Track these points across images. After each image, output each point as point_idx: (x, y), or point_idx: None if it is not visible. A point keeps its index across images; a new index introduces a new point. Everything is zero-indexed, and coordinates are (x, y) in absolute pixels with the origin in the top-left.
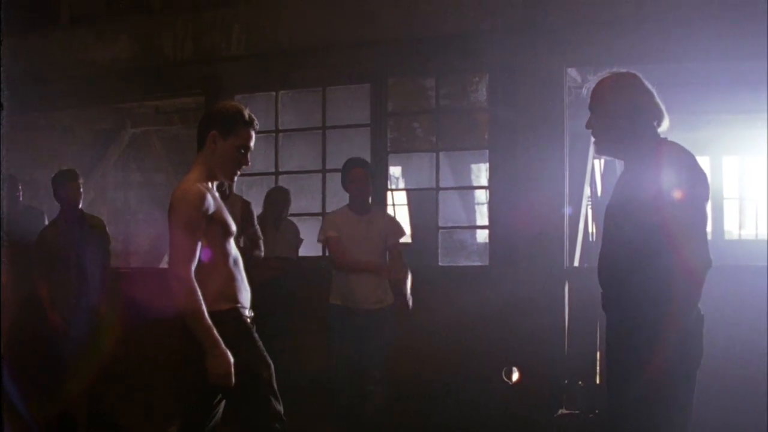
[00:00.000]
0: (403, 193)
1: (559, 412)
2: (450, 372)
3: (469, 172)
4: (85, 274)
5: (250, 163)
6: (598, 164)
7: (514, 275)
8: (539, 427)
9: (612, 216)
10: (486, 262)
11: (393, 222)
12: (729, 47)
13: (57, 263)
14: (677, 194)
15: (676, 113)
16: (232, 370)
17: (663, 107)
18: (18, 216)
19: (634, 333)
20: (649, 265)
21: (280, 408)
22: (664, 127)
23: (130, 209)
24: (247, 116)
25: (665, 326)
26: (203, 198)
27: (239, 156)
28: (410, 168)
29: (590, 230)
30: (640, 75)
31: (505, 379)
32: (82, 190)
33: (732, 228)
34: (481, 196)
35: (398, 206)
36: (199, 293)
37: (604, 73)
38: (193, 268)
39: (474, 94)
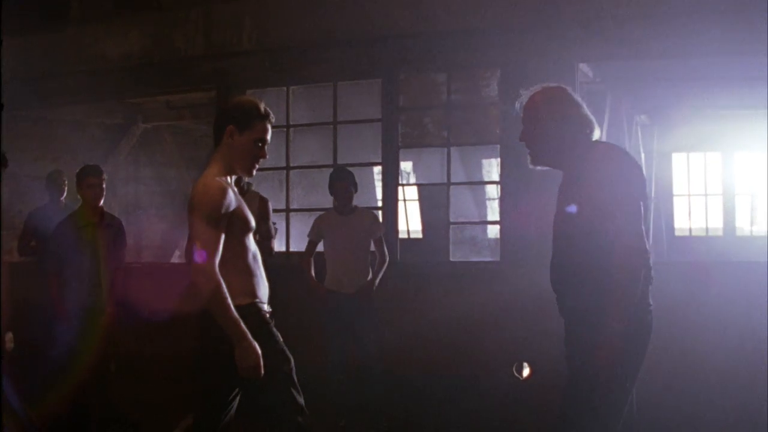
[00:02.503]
0: (414, 188)
1: None
2: (460, 367)
3: (480, 167)
4: (98, 270)
5: (267, 156)
6: None
7: (525, 271)
8: (550, 423)
9: (557, 224)
10: (497, 258)
11: (375, 220)
12: (741, 42)
13: (73, 256)
14: (602, 189)
15: (687, 108)
16: (261, 361)
17: (592, 118)
18: (58, 214)
19: (584, 335)
20: (593, 266)
21: (302, 401)
22: (595, 135)
23: (141, 204)
24: (262, 110)
25: (606, 322)
26: (225, 192)
27: (257, 149)
28: (421, 163)
29: None
30: (568, 88)
31: (516, 375)
32: (104, 186)
33: (743, 224)
34: (492, 191)
35: (409, 201)
36: (225, 286)
37: (535, 88)
38: (217, 261)
39: (485, 90)
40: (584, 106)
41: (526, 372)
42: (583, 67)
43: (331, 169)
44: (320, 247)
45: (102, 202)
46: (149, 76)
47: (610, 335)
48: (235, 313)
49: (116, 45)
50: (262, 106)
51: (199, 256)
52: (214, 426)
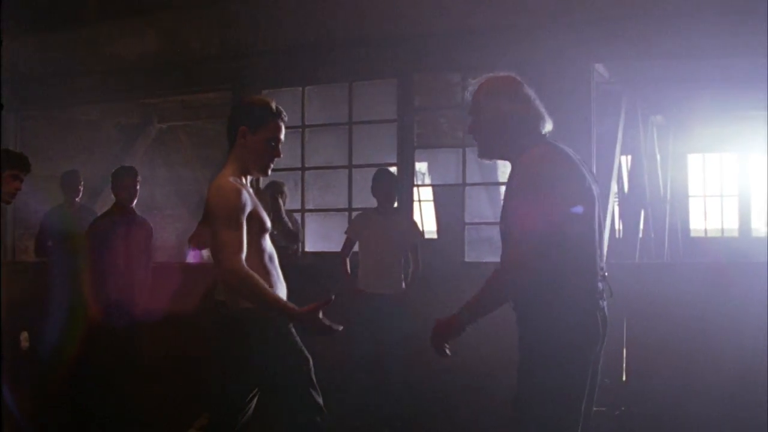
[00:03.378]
0: (429, 189)
1: None
2: (477, 366)
3: (495, 167)
4: (131, 269)
5: (282, 155)
6: (625, 161)
7: None
8: None
9: (502, 219)
10: None
11: (413, 225)
12: (759, 43)
13: (105, 254)
14: (523, 190)
15: (703, 109)
16: (321, 323)
17: (542, 111)
18: (74, 213)
19: (526, 332)
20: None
21: (321, 400)
22: (546, 129)
23: (157, 204)
24: (274, 108)
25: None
26: (240, 194)
27: (271, 149)
28: (436, 164)
29: (617, 227)
30: (518, 78)
31: None
32: (138, 188)
33: (759, 225)
34: None
35: (424, 202)
36: (256, 275)
37: (482, 78)
38: (243, 257)
39: None
40: (534, 99)
41: None
42: (599, 67)
43: (346, 170)
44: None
45: (135, 203)
46: (164, 77)
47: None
48: (274, 294)
49: (132, 45)
50: (273, 105)
51: (224, 258)
52: (231, 426)
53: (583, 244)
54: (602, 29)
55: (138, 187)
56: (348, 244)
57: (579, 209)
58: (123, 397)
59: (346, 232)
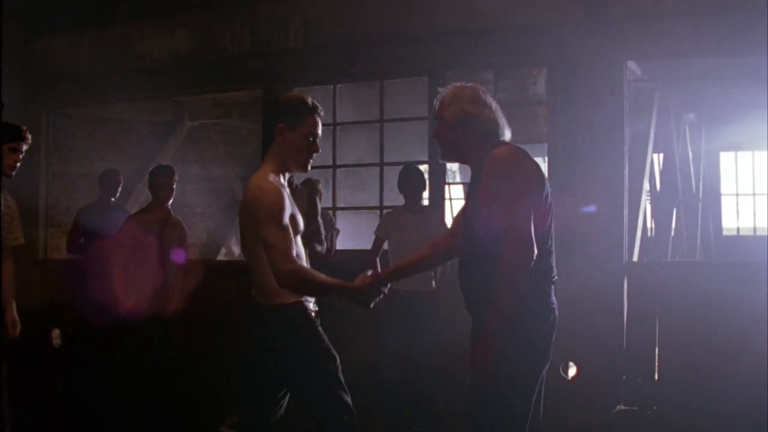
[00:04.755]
0: (460, 187)
1: (617, 408)
2: None
3: None
4: (163, 268)
5: (320, 149)
6: (657, 159)
7: (572, 270)
8: (597, 424)
9: (465, 221)
10: None
11: (441, 223)
12: None
13: (139, 251)
14: (488, 192)
15: (735, 107)
16: (361, 290)
17: (501, 119)
18: (108, 211)
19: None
20: (492, 265)
21: (349, 399)
22: (506, 137)
23: (188, 202)
24: (310, 104)
25: (491, 310)
26: (282, 194)
27: (309, 144)
28: None
29: (649, 225)
30: (480, 88)
31: (563, 375)
32: (174, 187)
33: None
34: None
35: (455, 200)
36: (307, 269)
37: (449, 86)
38: (294, 256)
39: (532, 88)
40: (492, 107)
41: (572, 372)
42: (631, 64)
43: (377, 168)
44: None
45: (171, 202)
46: (196, 75)
47: (484, 333)
48: (324, 279)
49: (163, 43)
50: (309, 100)
51: (278, 260)
52: (263, 425)
53: (544, 244)
54: (634, 27)
55: (174, 186)
56: (377, 244)
57: (592, 208)
58: (153, 394)
59: (375, 232)
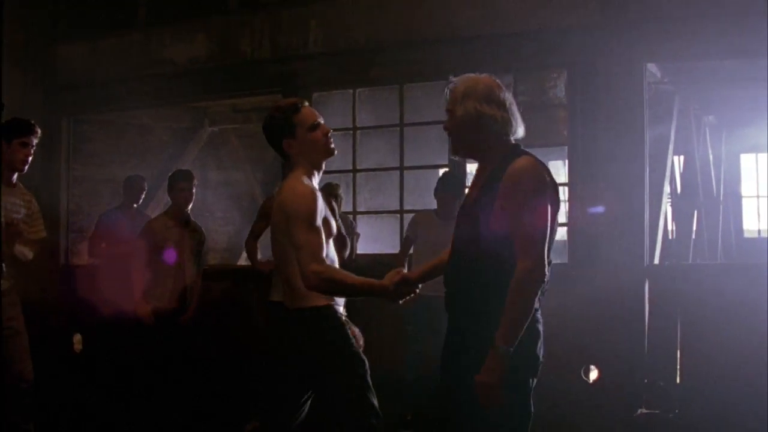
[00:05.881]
0: None
1: (639, 411)
2: None
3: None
4: (182, 272)
5: (330, 130)
6: (677, 161)
7: (593, 273)
8: (618, 427)
9: (462, 215)
10: (565, 260)
11: None
12: None
13: (157, 256)
14: (512, 205)
15: (756, 109)
16: (407, 291)
17: (517, 116)
18: (130, 217)
19: (469, 335)
20: (489, 269)
21: (376, 402)
22: (518, 135)
23: (208, 207)
24: (290, 104)
25: (499, 333)
26: (316, 197)
27: (317, 133)
28: None
29: (669, 227)
30: (496, 81)
31: (584, 378)
32: (194, 191)
33: None
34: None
35: None
36: (337, 272)
37: (461, 77)
38: (323, 257)
39: (552, 91)
40: (508, 104)
41: (594, 375)
42: (651, 67)
43: (397, 172)
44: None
45: (191, 206)
46: (216, 80)
47: (492, 359)
48: (356, 279)
49: (183, 49)
50: (283, 103)
51: (306, 261)
52: (285, 428)
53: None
54: (654, 29)
55: (194, 190)
56: (407, 244)
57: (601, 209)
58: (174, 399)
59: (406, 232)
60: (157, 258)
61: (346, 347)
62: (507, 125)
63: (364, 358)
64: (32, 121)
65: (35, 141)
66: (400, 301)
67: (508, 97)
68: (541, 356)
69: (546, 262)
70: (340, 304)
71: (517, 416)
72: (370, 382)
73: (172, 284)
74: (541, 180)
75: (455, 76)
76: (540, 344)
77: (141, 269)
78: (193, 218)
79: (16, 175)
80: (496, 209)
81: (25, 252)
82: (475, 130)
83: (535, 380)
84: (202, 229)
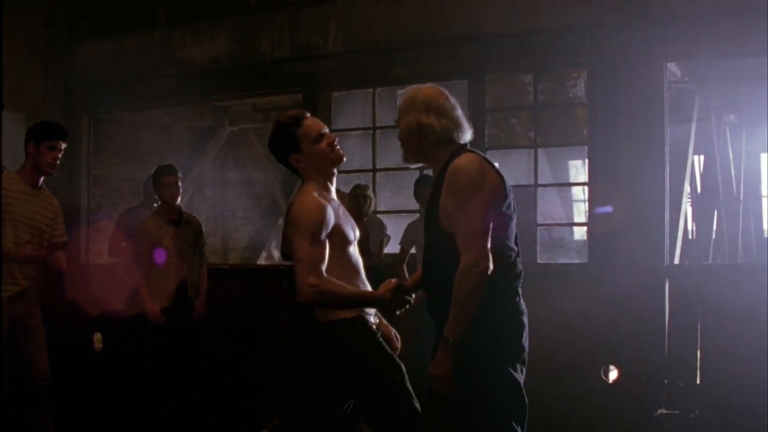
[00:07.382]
0: None
1: (659, 412)
2: (548, 370)
3: (567, 168)
4: (182, 269)
5: (336, 138)
6: (698, 161)
7: (613, 273)
8: (638, 427)
9: (426, 221)
10: (585, 260)
11: None
12: None
13: (155, 255)
14: (451, 202)
15: None
16: (403, 300)
17: (460, 119)
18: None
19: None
20: (449, 269)
21: (417, 405)
22: (464, 139)
23: (229, 206)
24: (291, 118)
25: (446, 326)
26: (324, 210)
27: (323, 144)
28: (508, 164)
29: (690, 227)
30: (438, 90)
31: (604, 378)
32: (180, 185)
33: None
34: (579, 192)
35: None
36: (332, 285)
37: (407, 89)
38: (321, 271)
39: (572, 90)
40: (450, 110)
41: (613, 375)
42: (671, 66)
43: (417, 171)
44: None
45: (179, 200)
46: (236, 79)
47: (441, 352)
48: (352, 291)
49: (203, 48)
50: (288, 116)
51: (303, 274)
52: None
53: (506, 247)
54: (674, 28)
55: (180, 184)
56: (402, 255)
57: (609, 209)
58: (193, 397)
59: (400, 243)
60: (153, 257)
61: (380, 355)
62: (448, 131)
63: (400, 363)
64: (63, 126)
65: (64, 145)
66: (397, 312)
67: (450, 104)
68: (526, 347)
69: (510, 255)
70: (370, 313)
71: (493, 402)
72: (410, 387)
73: (176, 282)
74: (477, 175)
75: (475, 75)
76: (525, 335)
77: (144, 272)
78: (214, 218)
79: (42, 178)
80: (441, 209)
81: (62, 259)
82: (417, 140)
83: (524, 371)
84: (197, 218)
